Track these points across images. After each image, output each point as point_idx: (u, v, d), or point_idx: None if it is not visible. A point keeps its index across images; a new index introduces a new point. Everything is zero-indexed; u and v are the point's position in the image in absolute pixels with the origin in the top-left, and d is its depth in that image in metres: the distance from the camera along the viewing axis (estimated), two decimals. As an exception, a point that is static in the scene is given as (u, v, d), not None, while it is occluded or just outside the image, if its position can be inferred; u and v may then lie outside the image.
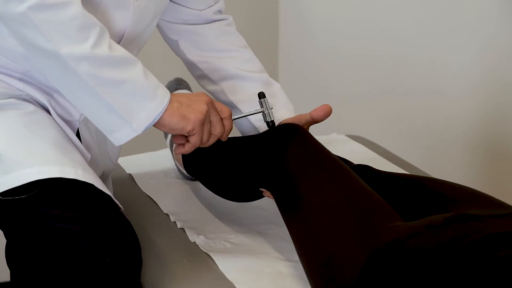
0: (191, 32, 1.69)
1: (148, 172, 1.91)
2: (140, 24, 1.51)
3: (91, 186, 1.39)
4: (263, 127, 1.65)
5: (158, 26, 1.70)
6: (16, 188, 1.36)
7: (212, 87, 1.71)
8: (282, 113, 1.65)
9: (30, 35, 1.33)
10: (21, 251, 1.40)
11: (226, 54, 1.70)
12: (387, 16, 2.66)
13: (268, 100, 1.60)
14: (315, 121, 1.64)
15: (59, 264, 1.36)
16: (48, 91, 1.49)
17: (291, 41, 3.17)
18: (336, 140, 2.11)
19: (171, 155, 1.93)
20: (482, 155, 2.36)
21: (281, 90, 1.71)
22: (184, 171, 1.82)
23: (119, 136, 1.39)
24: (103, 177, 1.60)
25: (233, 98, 1.68)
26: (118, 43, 1.48)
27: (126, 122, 1.38)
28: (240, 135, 1.72)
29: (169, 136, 1.92)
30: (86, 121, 1.54)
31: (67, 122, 1.50)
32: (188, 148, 1.46)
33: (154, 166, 1.94)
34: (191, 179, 1.85)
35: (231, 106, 1.68)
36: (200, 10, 1.68)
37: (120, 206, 1.43)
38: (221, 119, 1.47)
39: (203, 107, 1.43)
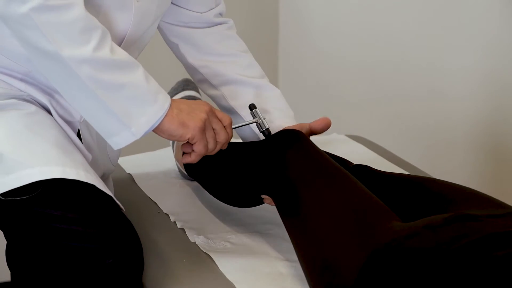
0: (192, 35, 1.69)
1: (148, 172, 1.91)
2: (141, 25, 1.51)
3: (92, 187, 1.39)
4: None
5: (159, 28, 1.70)
6: (17, 189, 1.36)
7: (212, 92, 1.71)
8: (283, 121, 1.65)
9: (31, 37, 1.33)
10: (22, 252, 1.39)
11: (227, 59, 1.70)
12: (387, 17, 2.66)
13: (268, 106, 1.60)
14: (314, 133, 1.64)
15: (61, 265, 1.36)
16: (49, 92, 1.49)
17: (291, 41, 3.17)
18: (336, 140, 2.11)
19: (171, 155, 1.93)
20: (482, 156, 2.36)
21: (281, 96, 1.71)
22: (185, 171, 1.83)
23: (118, 140, 1.39)
24: (103, 178, 1.60)
25: (233, 103, 1.68)
26: (119, 45, 1.48)
27: (125, 126, 1.37)
28: (239, 139, 1.72)
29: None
30: (86, 122, 1.53)
31: (68, 122, 1.50)
32: (194, 157, 1.46)
33: (154, 166, 1.94)
34: (191, 179, 1.85)
35: (232, 111, 1.68)
36: (201, 13, 1.68)
37: (122, 207, 1.43)
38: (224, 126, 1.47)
39: (202, 115, 1.42)
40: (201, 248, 1.53)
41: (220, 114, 1.47)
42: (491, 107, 2.29)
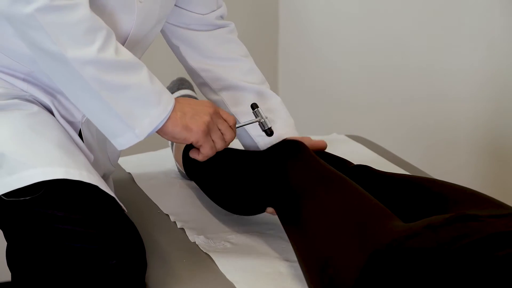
0: (193, 38, 1.69)
1: (148, 172, 1.90)
2: (144, 26, 1.51)
3: (95, 187, 1.39)
4: (261, 142, 1.65)
5: (161, 29, 1.69)
6: (20, 189, 1.36)
7: (213, 97, 1.70)
8: (283, 130, 1.65)
9: (36, 37, 1.33)
10: (24, 253, 1.39)
11: (228, 63, 1.69)
12: (387, 19, 2.66)
13: (268, 115, 1.60)
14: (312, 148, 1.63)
15: (64, 266, 1.36)
16: (51, 92, 1.49)
17: (291, 43, 3.17)
18: (336, 140, 2.11)
19: (171, 155, 1.93)
20: (482, 156, 2.36)
21: (282, 104, 1.70)
22: (184, 172, 1.83)
23: (122, 141, 1.39)
24: (104, 178, 1.59)
25: (233, 110, 1.67)
26: (122, 45, 1.48)
27: (129, 128, 1.37)
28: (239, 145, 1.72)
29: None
30: (88, 122, 1.53)
31: (70, 123, 1.50)
32: (201, 158, 1.46)
33: (154, 166, 1.94)
34: (191, 180, 1.84)
35: None
36: (203, 15, 1.68)
37: (124, 208, 1.43)
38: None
39: (205, 118, 1.42)
40: (201, 248, 1.53)
41: (225, 114, 1.47)
42: (491, 108, 2.29)
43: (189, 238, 1.58)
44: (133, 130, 1.38)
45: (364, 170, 1.59)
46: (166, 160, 1.94)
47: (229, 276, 1.43)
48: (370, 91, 2.78)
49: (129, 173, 1.90)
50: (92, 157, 1.50)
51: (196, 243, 1.55)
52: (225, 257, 1.50)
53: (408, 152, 2.38)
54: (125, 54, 1.37)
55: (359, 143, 2.09)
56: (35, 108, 1.45)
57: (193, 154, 1.47)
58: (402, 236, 1.24)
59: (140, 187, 1.83)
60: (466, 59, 2.34)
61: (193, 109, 1.43)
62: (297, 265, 1.42)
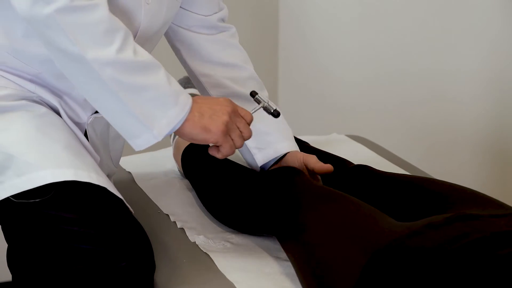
0: (195, 41, 1.69)
1: (148, 172, 1.90)
2: (151, 28, 1.50)
3: (102, 189, 1.38)
4: (258, 154, 1.64)
5: None
6: (27, 191, 1.35)
7: None
8: (281, 145, 1.65)
9: (55, 38, 1.32)
10: (28, 255, 1.38)
11: (228, 69, 1.69)
12: (387, 20, 2.66)
13: (268, 128, 1.61)
14: (314, 171, 1.62)
15: (71, 268, 1.36)
16: (58, 93, 1.49)
17: (291, 43, 3.18)
18: (336, 140, 2.11)
19: (171, 155, 1.93)
20: (483, 157, 2.36)
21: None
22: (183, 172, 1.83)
23: (140, 141, 1.38)
24: (107, 179, 1.60)
25: None
26: None
27: (147, 129, 1.36)
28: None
29: (172, 134, 1.92)
30: (93, 123, 1.54)
31: (76, 124, 1.50)
32: (221, 156, 1.46)
33: (154, 166, 1.94)
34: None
35: None
36: (205, 16, 1.68)
37: (131, 209, 1.43)
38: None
39: (224, 118, 1.41)
40: (201, 248, 1.53)
41: (243, 111, 1.46)
42: (492, 108, 2.29)
43: (189, 238, 1.58)
44: (151, 131, 1.37)
45: (364, 170, 1.59)
46: (166, 160, 1.94)
47: (229, 276, 1.43)
48: (370, 91, 2.78)
49: (129, 173, 1.90)
50: (98, 158, 1.50)
51: (196, 243, 1.55)
52: (225, 257, 1.50)
53: (408, 152, 2.38)
54: (143, 54, 1.37)
55: (359, 143, 2.09)
56: (43, 109, 1.45)
57: (212, 152, 1.46)
58: (402, 235, 1.24)
59: (140, 187, 1.83)
60: (466, 60, 2.34)
61: (211, 108, 1.42)
62: (297, 265, 1.42)
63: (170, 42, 1.71)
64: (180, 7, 1.65)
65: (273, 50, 3.22)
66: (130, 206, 1.45)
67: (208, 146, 1.74)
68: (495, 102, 2.28)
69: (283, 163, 1.64)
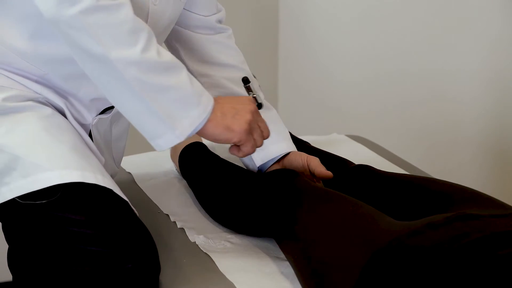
0: (194, 41, 1.69)
1: (148, 172, 1.91)
2: (156, 29, 1.50)
3: (108, 191, 1.38)
4: (255, 154, 1.64)
5: None
6: (33, 192, 1.35)
7: None
8: (279, 146, 1.65)
9: (80, 38, 1.31)
10: (32, 256, 1.38)
11: (227, 69, 1.69)
12: (387, 20, 2.66)
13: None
14: (315, 175, 1.62)
15: (78, 270, 1.35)
16: (64, 95, 1.49)
17: (291, 43, 3.18)
18: (336, 140, 2.11)
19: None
20: (483, 156, 2.36)
21: (277, 117, 1.70)
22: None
23: (161, 142, 1.37)
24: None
25: None
26: None
27: (170, 129, 1.36)
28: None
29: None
30: (97, 125, 1.54)
31: (81, 125, 1.50)
32: (242, 155, 1.46)
33: (154, 166, 1.94)
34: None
35: None
36: (204, 16, 1.68)
37: (136, 212, 1.43)
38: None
39: (247, 117, 1.41)
40: (201, 248, 1.53)
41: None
42: (492, 108, 2.29)
43: (189, 238, 1.58)
44: (173, 131, 1.36)
45: (365, 170, 1.59)
46: (166, 160, 1.94)
47: (229, 276, 1.43)
48: (370, 91, 2.78)
49: (129, 173, 1.90)
50: (103, 160, 1.50)
51: (196, 243, 1.55)
52: (225, 257, 1.50)
53: (408, 152, 2.38)
54: (166, 55, 1.36)
55: (359, 143, 2.09)
56: (49, 110, 1.45)
57: (233, 151, 1.46)
58: (402, 235, 1.24)
59: (140, 187, 1.83)
60: (466, 60, 2.34)
61: (233, 108, 1.42)
62: (297, 265, 1.42)
63: (169, 42, 1.71)
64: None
65: (273, 50, 3.22)
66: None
67: (204, 147, 1.74)
68: (495, 102, 2.28)
69: (286, 162, 1.64)
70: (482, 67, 2.29)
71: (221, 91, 1.68)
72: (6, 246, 1.44)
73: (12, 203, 1.37)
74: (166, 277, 1.45)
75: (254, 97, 1.54)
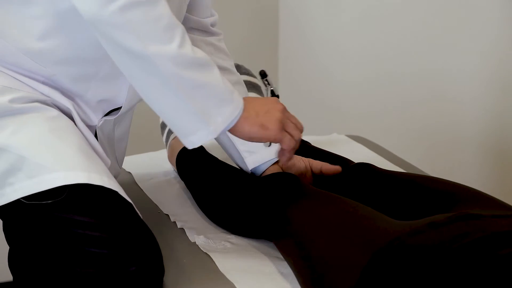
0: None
1: (148, 172, 1.90)
2: None
3: (113, 193, 1.38)
4: (248, 157, 1.65)
5: None
6: (37, 193, 1.35)
7: None
8: (273, 149, 1.64)
9: (118, 35, 1.31)
10: (36, 257, 1.38)
11: (221, 72, 1.69)
12: (387, 20, 2.66)
13: None
14: (322, 172, 1.64)
15: (82, 272, 1.35)
16: (71, 96, 1.48)
17: (291, 43, 3.18)
18: (336, 140, 2.11)
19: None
20: (484, 156, 2.36)
21: None
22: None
23: (194, 139, 1.38)
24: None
25: None
26: None
27: (204, 125, 1.36)
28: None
29: (165, 135, 1.92)
30: (102, 126, 1.54)
31: (88, 127, 1.50)
32: (289, 154, 1.47)
33: (154, 166, 1.94)
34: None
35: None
36: (200, 19, 1.69)
37: (140, 214, 1.43)
38: None
39: (278, 115, 1.42)
40: (201, 248, 1.53)
41: None
42: (492, 108, 2.29)
43: (189, 238, 1.58)
44: (207, 128, 1.36)
45: (366, 168, 1.59)
46: (166, 160, 1.94)
47: (229, 276, 1.43)
48: (370, 91, 2.78)
49: (129, 173, 1.90)
50: (109, 162, 1.50)
51: (196, 243, 1.55)
52: (225, 257, 1.50)
53: (408, 152, 2.37)
54: (199, 51, 1.37)
55: (359, 143, 2.09)
56: (55, 112, 1.44)
57: (281, 157, 1.48)
58: (403, 234, 1.24)
59: (140, 187, 1.83)
60: (467, 60, 2.34)
61: (264, 106, 1.43)
62: (297, 265, 1.42)
63: None
64: None
65: (273, 50, 3.22)
66: (131, 206, 1.45)
67: (202, 149, 1.74)
68: (495, 102, 2.27)
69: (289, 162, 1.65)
70: (482, 67, 2.29)
71: None
72: (7, 246, 1.44)
73: (15, 203, 1.37)
74: (166, 277, 1.45)
75: (272, 90, 1.55)
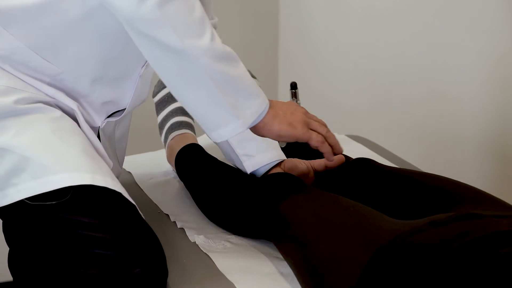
0: None
1: (148, 172, 1.90)
2: None
3: (117, 195, 1.38)
4: (247, 161, 1.65)
5: None
6: (41, 194, 1.35)
7: None
8: (272, 153, 1.66)
9: (154, 31, 1.32)
10: (39, 259, 1.37)
11: None
12: (387, 20, 2.66)
13: (254, 135, 1.62)
14: (327, 167, 1.65)
15: (85, 273, 1.35)
16: (75, 97, 1.48)
17: (291, 42, 3.18)
18: (336, 140, 2.11)
19: (171, 155, 1.93)
20: (484, 156, 2.36)
21: None
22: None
23: (224, 132, 1.39)
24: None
25: None
26: None
27: (234, 118, 1.38)
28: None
29: (163, 135, 1.92)
30: (104, 128, 1.54)
31: (91, 128, 1.50)
32: (328, 150, 1.49)
33: (154, 166, 1.94)
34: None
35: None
36: None
37: (143, 216, 1.43)
38: None
39: (301, 115, 1.46)
40: (201, 248, 1.53)
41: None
42: (492, 108, 2.29)
43: (189, 238, 1.58)
44: (237, 121, 1.39)
45: (366, 163, 1.59)
46: (166, 160, 1.94)
47: (229, 276, 1.43)
48: (370, 91, 2.78)
49: (129, 173, 1.90)
50: (111, 163, 1.50)
51: (196, 243, 1.55)
52: (225, 257, 1.50)
53: (408, 152, 2.38)
54: (226, 46, 1.38)
55: (359, 143, 2.09)
56: (59, 113, 1.44)
57: (328, 157, 1.50)
58: (405, 232, 1.24)
59: (140, 187, 1.83)
60: (467, 60, 2.34)
61: (289, 107, 1.47)
62: (297, 265, 1.42)
63: None
64: None
65: (273, 50, 3.22)
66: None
67: (200, 149, 1.73)
68: (495, 102, 2.27)
69: (288, 164, 1.65)
70: (482, 67, 2.29)
71: None
72: (7, 247, 1.44)
73: (18, 204, 1.37)
74: (166, 277, 1.46)
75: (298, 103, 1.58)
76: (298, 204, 1.45)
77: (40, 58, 1.43)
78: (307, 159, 1.68)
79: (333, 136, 1.51)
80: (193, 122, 1.92)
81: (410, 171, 1.59)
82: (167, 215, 1.69)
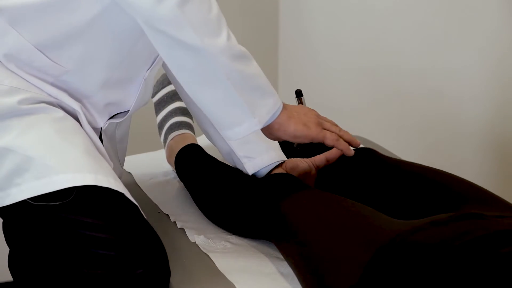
0: None
1: (148, 172, 1.90)
2: None
3: (119, 195, 1.38)
4: (248, 163, 1.65)
5: None
6: (44, 194, 1.35)
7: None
8: (272, 154, 1.66)
9: (174, 30, 1.32)
10: (41, 259, 1.37)
11: None
12: (386, 19, 2.66)
13: (254, 137, 1.62)
14: (329, 162, 1.66)
15: (88, 274, 1.35)
16: (78, 98, 1.48)
17: (291, 42, 3.17)
18: (336, 140, 2.11)
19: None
20: (484, 155, 2.36)
21: None
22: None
23: (240, 130, 1.40)
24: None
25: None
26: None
27: (250, 116, 1.39)
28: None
29: (163, 135, 1.92)
30: (106, 129, 1.53)
31: (93, 129, 1.50)
32: (344, 146, 1.50)
33: (154, 166, 1.94)
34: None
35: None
36: None
37: (145, 217, 1.43)
38: None
39: (312, 117, 1.47)
40: (201, 248, 1.53)
41: None
42: (492, 107, 2.29)
43: (189, 238, 1.58)
44: (253, 119, 1.39)
45: (369, 154, 1.59)
46: (166, 160, 1.94)
47: (229, 276, 1.43)
48: (370, 91, 2.78)
49: (129, 173, 1.90)
50: (112, 165, 1.50)
51: (196, 243, 1.55)
52: (225, 257, 1.49)
53: (408, 152, 2.37)
54: (240, 45, 1.39)
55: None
56: (61, 113, 1.44)
57: (347, 152, 1.50)
58: (405, 231, 1.24)
59: (140, 187, 1.83)
60: (467, 59, 2.34)
61: (301, 109, 1.48)
62: (297, 265, 1.42)
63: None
64: None
65: (273, 50, 3.22)
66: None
67: (200, 149, 1.73)
68: (495, 99, 2.27)
69: (289, 164, 1.65)
70: (482, 65, 2.28)
71: None
72: (7, 247, 1.44)
73: (20, 204, 1.36)
74: (166, 277, 1.46)
75: None
76: (298, 204, 1.45)
77: (46, 58, 1.43)
78: (306, 158, 1.68)
79: (347, 133, 1.51)
80: (193, 122, 1.92)
81: (412, 164, 1.59)
82: (167, 215, 1.68)
